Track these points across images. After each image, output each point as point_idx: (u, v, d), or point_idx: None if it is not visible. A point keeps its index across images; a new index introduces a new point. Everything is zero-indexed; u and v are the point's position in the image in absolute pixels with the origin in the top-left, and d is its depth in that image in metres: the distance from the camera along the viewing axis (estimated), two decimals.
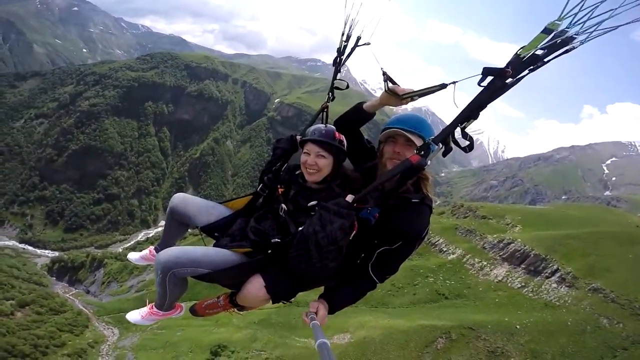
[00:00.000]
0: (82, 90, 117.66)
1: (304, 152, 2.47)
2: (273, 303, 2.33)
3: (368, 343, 29.46)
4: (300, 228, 2.19)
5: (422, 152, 1.89)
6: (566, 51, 1.45)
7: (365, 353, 28.80)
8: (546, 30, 1.43)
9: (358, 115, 2.61)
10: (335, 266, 2.12)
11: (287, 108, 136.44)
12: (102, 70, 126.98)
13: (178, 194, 2.88)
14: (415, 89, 2.12)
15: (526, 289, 34.08)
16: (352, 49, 2.80)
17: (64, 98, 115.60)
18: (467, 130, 1.80)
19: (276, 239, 2.30)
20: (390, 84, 2.22)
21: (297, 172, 2.57)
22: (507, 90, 1.60)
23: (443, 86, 1.86)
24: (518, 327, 27.45)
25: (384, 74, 2.23)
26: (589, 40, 1.42)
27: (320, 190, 2.43)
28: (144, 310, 2.86)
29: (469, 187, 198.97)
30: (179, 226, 2.92)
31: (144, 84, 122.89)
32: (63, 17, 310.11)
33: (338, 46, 2.82)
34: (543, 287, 33.42)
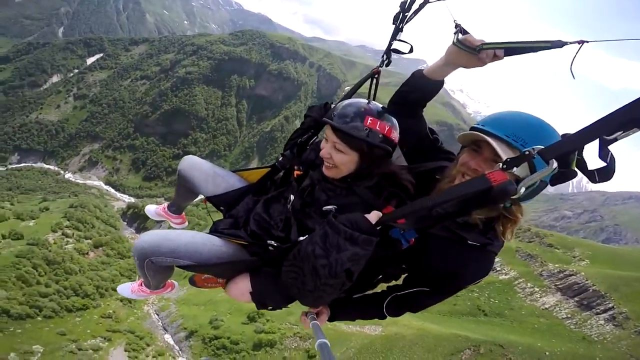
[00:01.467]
0: (181, 58, 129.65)
1: (324, 136, 1.82)
2: (258, 309, 1.97)
3: (397, 339, 30.32)
4: (301, 238, 1.65)
5: (515, 167, 1.15)
6: None
7: (392, 348, 29.80)
8: None
9: (416, 86, 1.80)
10: (335, 297, 1.67)
11: (356, 97, 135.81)
12: (200, 42, 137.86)
13: (188, 156, 2.46)
14: (501, 41, 1.41)
15: (569, 321, 33.01)
16: (422, 5, 2.07)
17: (166, 64, 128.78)
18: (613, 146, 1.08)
19: (273, 241, 1.84)
20: (461, 35, 1.52)
21: None
22: None
23: (557, 44, 1.17)
24: (547, 353, 27.09)
25: (457, 25, 1.55)
26: None
27: (344, 190, 1.80)
28: (135, 284, 2.63)
29: (538, 213, 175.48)
30: (187, 191, 2.56)
31: (233, 58, 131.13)
32: None
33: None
34: (588, 322, 32.11)
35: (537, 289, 37.39)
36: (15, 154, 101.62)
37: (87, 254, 50.52)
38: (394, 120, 1.74)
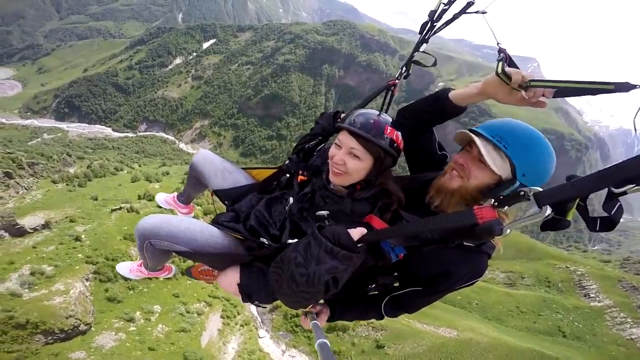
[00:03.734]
0: (281, 46, 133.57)
1: (335, 143, 1.75)
2: (243, 302, 1.90)
3: (471, 345, 29.54)
4: (290, 241, 1.67)
5: (507, 206, 1.07)
6: None
7: (464, 352, 29.18)
8: None
9: (439, 107, 1.67)
10: (315, 302, 1.65)
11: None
12: (297, 30, 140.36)
13: (202, 150, 2.51)
14: (554, 79, 1.21)
15: None
16: (456, 16, 1.86)
17: (267, 51, 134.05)
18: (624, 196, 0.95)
19: (266, 239, 1.85)
20: (506, 66, 1.32)
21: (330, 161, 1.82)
22: None
23: (622, 88, 0.97)
24: None
25: (501, 51, 1.37)
26: None
27: (341, 198, 1.76)
28: (134, 264, 2.63)
29: None
30: (198, 182, 2.58)
31: (325, 47, 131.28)
32: None
33: (433, 8, 1.91)
34: None
35: (629, 320, 34.96)
36: (144, 123, 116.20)
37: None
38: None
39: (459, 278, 1.59)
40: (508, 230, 1.01)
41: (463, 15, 1.83)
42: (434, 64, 2.02)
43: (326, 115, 2.20)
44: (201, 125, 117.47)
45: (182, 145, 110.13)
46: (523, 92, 1.27)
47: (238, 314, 37.67)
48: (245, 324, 36.48)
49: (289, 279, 1.42)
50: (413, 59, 2.06)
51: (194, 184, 2.68)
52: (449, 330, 31.71)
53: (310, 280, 1.37)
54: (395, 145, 1.68)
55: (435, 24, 1.92)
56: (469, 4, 1.77)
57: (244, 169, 2.44)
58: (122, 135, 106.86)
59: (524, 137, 1.42)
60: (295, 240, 1.59)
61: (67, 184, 52.84)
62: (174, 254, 2.02)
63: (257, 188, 2.27)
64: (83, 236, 35.29)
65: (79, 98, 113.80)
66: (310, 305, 1.88)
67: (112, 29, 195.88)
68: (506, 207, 1.04)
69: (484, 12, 1.75)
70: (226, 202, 2.34)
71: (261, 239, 1.84)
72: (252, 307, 39.87)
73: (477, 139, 1.44)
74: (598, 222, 1.04)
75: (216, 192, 2.37)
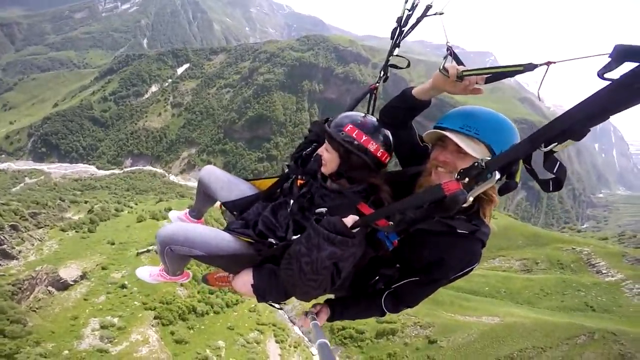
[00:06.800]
0: (258, 66, 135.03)
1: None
2: (258, 302, 2.06)
3: (517, 327, 32.17)
4: (295, 237, 1.85)
5: (467, 179, 1.14)
6: None
7: (513, 333, 31.69)
8: None
9: (405, 104, 1.90)
10: (323, 293, 1.73)
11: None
12: (271, 49, 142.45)
13: (207, 166, 2.72)
14: (479, 68, 1.44)
15: None
16: (419, 19, 2.05)
17: (245, 72, 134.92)
18: (558, 154, 1.05)
19: (272, 240, 2.01)
20: (447, 62, 1.56)
21: None
22: None
23: (528, 67, 1.15)
24: None
25: (449, 48, 1.60)
26: None
27: (336, 194, 1.94)
28: (155, 270, 2.85)
29: (636, 217, 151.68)
30: (206, 196, 2.76)
31: (303, 63, 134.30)
32: None
33: (399, 15, 2.11)
34: None
35: None
36: (129, 158, 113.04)
37: None
38: (382, 137, 1.88)
39: (454, 265, 1.74)
40: (471, 198, 1.16)
41: (424, 19, 2.03)
42: (408, 66, 2.20)
43: (318, 122, 2.31)
44: (188, 154, 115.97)
45: (172, 178, 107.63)
46: (462, 83, 1.53)
47: (288, 336, 38.32)
48: (298, 345, 37.11)
49: (298, 270, 1.62)
50: (389, 63, 2.28)
51: (202, 199, 2.85)
52: (490, 317, 34.16)
53: (315, 267, 1.57)
54: (355, 142, 1.82)
55: (402, 29, 2.14)
56: (428, 8, 1.99)
57: (247, 180, 2.64)
58: (107, 172, 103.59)
59: (487, 119, 1.63)
60: (298, 236, 1.77)
61: (76, 231, 52.24)
62: (191, 259, 2.24)
63: (262, 197, 2.42)
64: (126, 282, 35.64)
65: (55, 136, 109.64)
66: (312, 307, 2.09)
67: (75, 58, 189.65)
68: (467, 179, 1.14)
69: (441, 14, 1.94)
70: (234, 212, 2.47)
71: (269, 239, 2.02)
72: (297, 328, 40.55)
73: (449, 134, 1.62)
74: (550, 183, 1.18)
75: (224, 204, 2.54)
